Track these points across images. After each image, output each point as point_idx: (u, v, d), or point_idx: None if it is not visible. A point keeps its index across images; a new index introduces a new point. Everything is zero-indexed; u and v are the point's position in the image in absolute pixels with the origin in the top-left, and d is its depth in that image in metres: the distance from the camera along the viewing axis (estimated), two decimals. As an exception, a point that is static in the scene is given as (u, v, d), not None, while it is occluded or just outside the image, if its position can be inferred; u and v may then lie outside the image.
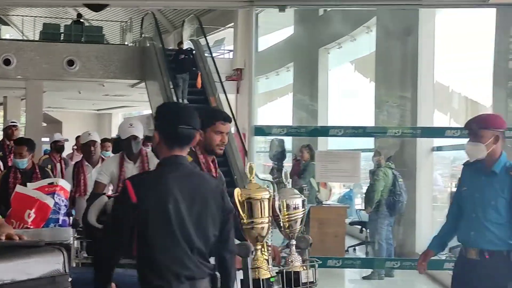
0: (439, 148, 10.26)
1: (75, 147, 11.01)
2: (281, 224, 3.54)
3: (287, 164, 12.65)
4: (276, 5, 6.15)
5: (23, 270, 2.61)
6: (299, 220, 3.53)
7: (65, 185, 4.84)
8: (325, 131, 7.19)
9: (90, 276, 3.19)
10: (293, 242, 3.54)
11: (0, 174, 7.00)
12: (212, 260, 3.21)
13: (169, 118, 3.26)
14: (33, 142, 6.92)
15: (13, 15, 28.20)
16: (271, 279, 3.36)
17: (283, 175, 3.63)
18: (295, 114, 15.95)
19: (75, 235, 4.09)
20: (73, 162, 7.99)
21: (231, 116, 4.29)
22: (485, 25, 8.95)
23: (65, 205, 4.67)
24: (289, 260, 3.49)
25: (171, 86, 16.31)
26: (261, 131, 6.40)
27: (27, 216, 4.38)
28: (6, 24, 27.41)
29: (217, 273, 3.21)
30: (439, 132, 6.93)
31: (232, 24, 20.23)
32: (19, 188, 4.72)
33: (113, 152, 8.34)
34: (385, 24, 11.44)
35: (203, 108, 5.35)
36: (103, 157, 7.33)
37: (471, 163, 4.42)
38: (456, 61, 11.54)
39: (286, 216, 3.50)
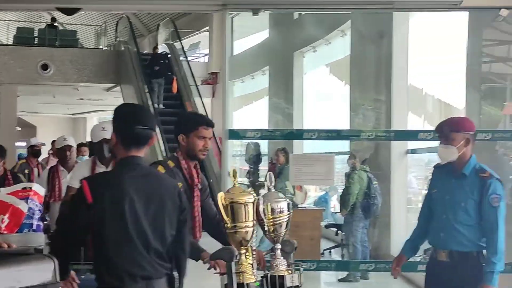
0: (413, 151, 10.33)
1: (51, 152, 10.93)
2: (266, 228, 3.52)
3: (263, 167, 12.65)
4: (249, 9, 6.15)
5: (15, 278, 2.61)
6: (284, 224, 3.50)
7: (39, 190, 4.79)
8: (300, 135, 7.21)
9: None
10: (278, 246, 3.52)
11: None
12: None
13: (125, 119, 3.27)
14: (4, 148, 6.86)
15: (-14, 19, 27.94)
16: (256, 284, 3.35)
17: (267, 178, 3.61)
18: (271, 118, 15.97)
19: (47, 240, 4.06)
20: (49, 167, 7.93)
21: (212, 121, 4.29)
22: (458, 28, 9.03)
23: (39, 210, 4.62)
24: (274, 264, 3.47)
25: (146, 90, 16.27)
26: (235, 134, 6.39)
27: (1, 221, 4.33)
28: (-21, 28, 27.15)
29: (175, 273, 3.23)
30: (413, 135, 6.98)
31: (208, 28, 20.22)
32: (-9, 194, 4.67)
33: (90, 156, 8.30)
34: (360, 28, 11.50)
35: (185, 113, 5.38)
36: (80, 162, 7.28)
37: (441, 166, 4.47)
38: (430, 64, 11.62)
39: (271, 220, 3.48)
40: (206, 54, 21.48)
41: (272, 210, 3.49)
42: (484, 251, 4.29)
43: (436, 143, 4.55)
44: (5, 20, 23.47)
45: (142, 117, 3.27)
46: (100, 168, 5.54)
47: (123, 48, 18.63)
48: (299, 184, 9.41)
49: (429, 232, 4.51)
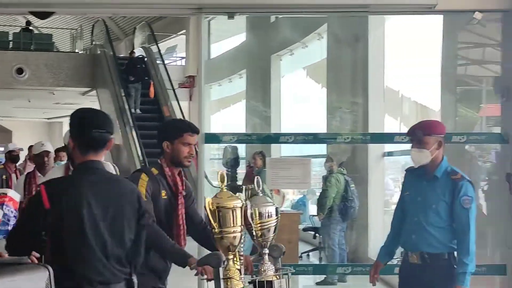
0: (390, 154, 10.37)
1: (28, 157, 10.83)
2: (254, 233, 3.48)
3: (241, 171, 12.63)
4: (225, 13, 6.12)
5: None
6: (272, 229, 3.45)
7: (14, 195, 4.75)
8: (276, 138, 7.19)
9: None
10: (266, 251, 3.49)
11: None
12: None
13: (82, 123, 3.26)
14: None
15: (-40, 23, 27.68)
16: (244, 289, 3.33)
17: (255, 182, 3.58)
18: (248, 121, 15.96)
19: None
20: (26, 172, 7.85)
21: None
22: (434, 31, 9.07)
23: (14, 216, 4.58)
24: (262, 270, 3.44)
25: (123, 94, 16.20)
26: (212, 138, 6.35)
27: (-25, 227, 4.28)
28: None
29: (134, 278, 3.23)
30: (389, 138, 6.99)
31: (184, 31, 20.19)
32: (-34, 200, 4.61)
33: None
34: (336, 31, 11.53)
35: (170, 120, 5.39)
36: (55, 167, 7.22)
37: (413, 169, 4.52)
38: (406, 66, 11.68)
39: (259, 225, 3.44)
40: (183, 58, 21.45)
41: (260, 214, 3.43)
42: (455, 253, 4.34)
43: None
44: (-21, 24, 23.30)
45: (99, 121, 3.26)
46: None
47: (99, 52, 18.53)
48: (277, 188, 9.40)
49: (401, 234, 4.55)
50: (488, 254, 6.42)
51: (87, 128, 3.20)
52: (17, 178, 8.87)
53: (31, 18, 20.14)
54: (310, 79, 15.04)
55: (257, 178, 3.57)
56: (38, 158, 6.71)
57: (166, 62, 19.17)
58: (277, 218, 3.46)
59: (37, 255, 3.16)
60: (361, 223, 10.32)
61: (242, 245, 3.38)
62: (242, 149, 13.21)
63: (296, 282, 9.46)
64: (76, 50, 21.67)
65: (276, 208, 3.52)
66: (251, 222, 3.38)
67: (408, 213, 4.49)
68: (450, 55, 8.31)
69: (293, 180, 6.21)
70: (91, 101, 19.27)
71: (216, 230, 3.24)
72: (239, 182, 11.82)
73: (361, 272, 6.39)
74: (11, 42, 19.91)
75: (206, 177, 12.08)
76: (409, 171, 4.59)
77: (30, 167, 9.02)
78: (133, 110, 16.33)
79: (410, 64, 11.56)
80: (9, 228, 4.48)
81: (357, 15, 7.75)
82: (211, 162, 16.80)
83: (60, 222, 3.05)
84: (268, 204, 3.48)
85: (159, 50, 18.58)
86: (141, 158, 14.83)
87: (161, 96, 16.98)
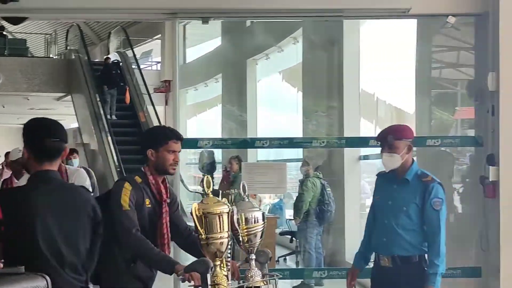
0: (365, 157, 10.41)
1: (5, 164, 10.74)
2: (240, 239, 3.46)
3: (217, 175, 12.61)
4: (199, 17, 6.12)
5: None
6: (258, 234, 3.43)
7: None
8: (252, 143, 7.19)
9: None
10: (253, 256, 3.47)
11: None
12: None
13: (35, 132, 3.24)
14: None
15: None
16: (231, 295, 3.31)
17: (241, 187, 3.56)
18: (224, 125, 15.93)
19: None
20: (2, 179, 7.79)
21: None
22: (408, 35, 9.13)
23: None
24: (249, 275, 3.42)
25: (98, 99, 16.11)
26: (188, 143, 6.33)
27: None
28: None
29: (91, 286, 3.23)
30: (364, 142, 7.02)
31: (160, 35, 20.13)
32: None
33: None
34: (311, 35, 11.56)
35: (154, 127, 5.37)
36: (26, 174, 7.15)
37: (384, 173, 4.59)
38: (381, 70, 11.74)
39: (245, 230, 3.41)
40: (158, 62, 21.38)
41: (246, 219, 3.41)
42: (426, 256, 4.38)
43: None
44: (-48, 29, 23.03)
45: (52, 129, 3.25)
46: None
47: (73, 57, 18.42)
48: (252, 193, 9.39)
49: (372, 238, 4.60)
50: (463, 256, 6.46)
51: (41, 137, 3.18)
52: (-6, 185, 8.79)
53: (5, 23, 20.00)
54: (286, 83, 15.07)
55: (243, 183, 3.55)
56: (16, 165, 6.66)
57: (141, 66, 19.11)
58: (263, 223, 3.44)
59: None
60: (337, 227, 10.34)
61: (229, 251, 3.36)
62: (218, 153, 13.18)
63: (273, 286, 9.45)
64: (51, 55, 21.50)
65: (263, 213, 3.49)
66: (237, 227, 3.36)
67: (380, 216, 4.54)
68: (424, 58, 8.36)
69: (269, 185, 6.22)
70: (66, 107, 19.14)
71: (203, 236, 3.20)
72: (216, 187, 11.79)
73: (337, 276, 6.42)
74: (-16, 48, 19.73)
75: (182, 181, 12.04)
76: (380, 176, 4.65)
77: (7, 173, 8.94)
78: (109, 116, 16.23)
79: (385, 67, 11.62)
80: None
81: (332, 19, 7.77)
82: (187, 166, 16.76)
83: (13, 233, 3.03)
84: (254, 209, 3.46)
85: (135, 55, 18.52)
86: (116, 163, 14.74)
87: (136, 101, 16.90)
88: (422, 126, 8.27)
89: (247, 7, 6.12)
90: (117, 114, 16.71)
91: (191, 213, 3.20)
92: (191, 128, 18.56)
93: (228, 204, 3.30)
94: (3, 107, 21.10)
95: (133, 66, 18.19)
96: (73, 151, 9.08)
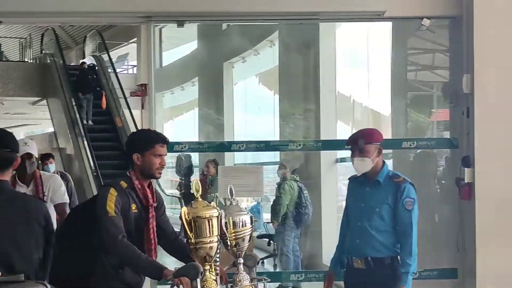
0: (342, 160, 10.42)
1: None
2: (228, 243, 3.43)
3: (194, 179, 12.56)
4: (174, 21, 6.10)
5: None
6: (246, 238, 3.40)
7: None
8: (229, 146, 7.16)
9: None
10: (241, 260, 3.44)
11: None
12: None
13: None
14: None
15: None
16: (220, 299, 3.29)
17: (228, 191, 3.53)
18: (201, 128, 15.89)
19: None
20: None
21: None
22: (384, 37, 9.17)
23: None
24: (237, 280, 3.39)
25: (74, 103, 15.99)
26: (163, 147, 6.29)
27: None
28: None
29: None
30: (340, 144, 7.01)
31: (135, 39, 20.05)
32: None
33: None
34: (287, 38, 11.56)
35: (138, 131, 5.31)
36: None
37: (356, 177, 4.63)
38: (357, 72, 11.78)
39: (233, 234, 3.39)
40: (134, 66, 21.30)
41: (234, 223, 3.39)
42: (398, 257, 4.42)
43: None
44: None
45: (3, 140, 3.24)
46: (21, 188, 5.31)
47: (49, 61, 18.27)
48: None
49: (345, 240, 4.63)
50: (439, 258, 6.49)
51: None
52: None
53: (-21, 27, 19.82)
54: (263, 86, 15.08)
55: (230, 186, 3.52)
56: None
57: (117, 70, 19.00)
58: (251, 227, 3.43)
59: None
60: (314, 230, 10.34)
61: (218, 255, 3.34)
62: (195, 157, 13.14)
63: (251, 289, 9.43)
64: (26, 59, 21.34)
65: (251, 217, 3.48)
66: (225, 231, 3.34)
67: (353, 219, 4.57)
68: (400, 60, 8.39)
69: (245, 188, 6.20)
70: (42, 111, 19.00)
71: (192, 241, 3.19)
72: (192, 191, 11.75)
73: (315, 279, 6.43)
74: (-42, 52, 19.56)
75: (159, 185, 11.94)
76: (352, 180, 4.70)
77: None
78: (85, 122, 16.12)
79: (362, 69, 11.66)
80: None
81: (308, 22, 7.79)
82: (164, 170, 16.65)
83: None
84: (242, 213, 3.44)
85: (110, 59, 18.41)
86: (93, 168, 14.64)
87: (113, 106, 16.81)
88: (398, 128, 8.30)
89: (223, 10, 6.11)
90: (94, 119, 16.60)
91: (180, 218, 3.18)
92: (167, 132, 18.45)
93: (217, 208, 3.28)
94: (-22, 112, 20.91)
95: (109, 70, 18.08)
96: (49, 156, 8.96)
